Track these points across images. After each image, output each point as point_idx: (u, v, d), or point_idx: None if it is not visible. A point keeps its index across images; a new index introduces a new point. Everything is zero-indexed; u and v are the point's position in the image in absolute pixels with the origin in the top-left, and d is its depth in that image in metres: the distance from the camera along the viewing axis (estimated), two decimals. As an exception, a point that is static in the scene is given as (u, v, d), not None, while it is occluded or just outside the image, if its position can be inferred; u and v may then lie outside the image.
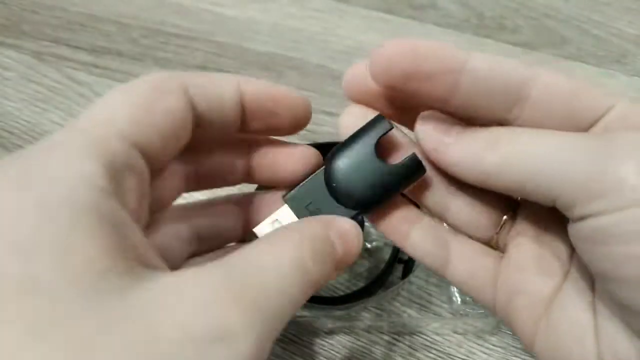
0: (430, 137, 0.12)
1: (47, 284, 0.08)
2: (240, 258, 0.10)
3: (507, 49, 0.29)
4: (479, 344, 0.20)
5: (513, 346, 0.20)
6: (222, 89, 0.12)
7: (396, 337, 0.20)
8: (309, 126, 0.30)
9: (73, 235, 0.08)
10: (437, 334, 0.20)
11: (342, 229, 0.12)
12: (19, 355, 0.07)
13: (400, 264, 0.21)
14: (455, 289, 0.21)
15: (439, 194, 0.14)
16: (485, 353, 0.20)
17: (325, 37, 0.30)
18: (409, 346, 0.20)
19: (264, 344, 0.09)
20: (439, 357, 0.20)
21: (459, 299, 0.21)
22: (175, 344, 0.08)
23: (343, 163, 0.13)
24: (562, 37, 0.30)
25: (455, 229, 0.14)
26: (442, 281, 0.21)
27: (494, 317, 0.20)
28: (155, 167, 0.11)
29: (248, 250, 0.10)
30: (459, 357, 0.20)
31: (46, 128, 0.27)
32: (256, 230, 0.13)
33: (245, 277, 0.09)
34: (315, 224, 0.11)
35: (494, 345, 0.20)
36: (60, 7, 0.32)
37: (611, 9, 0.31)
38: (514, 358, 0.20)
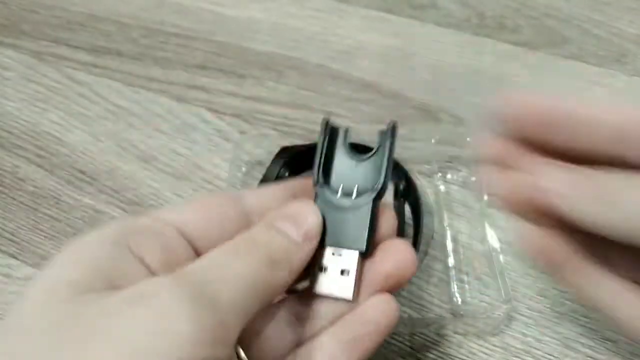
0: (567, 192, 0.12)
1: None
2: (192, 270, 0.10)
3: (507, 49, 0.29)
4: (479, 345, 0.20)
5: (513, 347, 0.20)
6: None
7: (396, 337, 0.20)
8: (308, 126, 0.30)
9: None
10: (438, 334, 0.20)
11: (291, 212, 0.12)
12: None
13: None
14: (455, 288, 0.21)
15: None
16: (485, 354, 0.20)
17: (325, 36, 0.30)
18: (409, 346, 0.20)
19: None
20: (440, 357, 0.20)
21: (459, 299, 0.21)
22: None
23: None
24: (562, 36, 0.30)
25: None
26: (442, 281, 0.21)
27: (495, 318, 0.20)
28: None
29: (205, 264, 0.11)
30: (459, 358, 0.20)
31: (46, 128, 0.27)
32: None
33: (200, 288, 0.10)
34: (261, 230, 0.12)
35: (494, 345, 0.20)
36: (60, 7, 0.32)
37: (612, 9, 0.31)
38: (514, 358, 0.20)
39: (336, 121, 0.14)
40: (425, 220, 0.22)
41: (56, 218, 0.24)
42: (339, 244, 0.12)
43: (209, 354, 0.09)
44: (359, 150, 0.14)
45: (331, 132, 0.14)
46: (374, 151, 0.14)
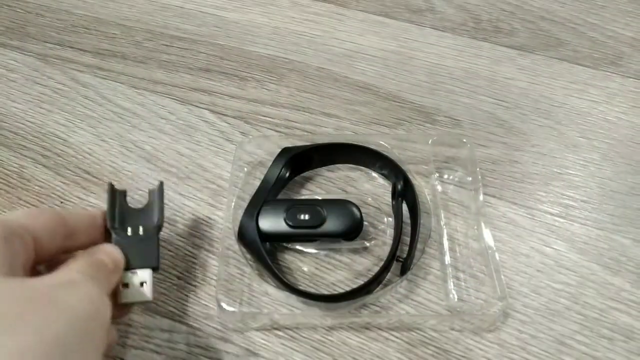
0: None
1: None
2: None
3: (503, 52, 0.30)
4: (475, 341, 0.20)
5: (509, 343, 0.20)
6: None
7: (394, 333, 0.21)
8: (308, 127, 0.30)
9: None
10: (435, 331, 0.21)
11: (107, 250, 0.18)
12: None
13: (398, 262, 0.21)
14: (452, 286, 0.21)
15: None
16: (482, 350, 0.20)
17: (325, 40, 0.30)
18: (407, 342, 0.20)
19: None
20: (437, 353, 0.20)
21: (455, 297, 0.21)
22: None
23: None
24: (558, 39, 0.30)
25: None
26: (439, 278, 0.22)
27: (491, 315, 0.20)
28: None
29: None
30: (456, 354, 0.20)
31: (51, 129, 0.28)
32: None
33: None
34: (90, 253, 0.18)
35: (490, 342, 0.20)
36: (65, 10, 0.33)
37: (607, 12, 0.31)
38: (510, 355, 0.20)
39: (117, 185, 0.20)
40: (423, 219, 0.22)
41: (61, 217, 0.24)
42: (134, 266, 0.19)
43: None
44: None
45: (116, 193, 0.20)
46: (147, 203, 0.20)
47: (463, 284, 0.21)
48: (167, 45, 0.31)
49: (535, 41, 0.30)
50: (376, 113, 0.27)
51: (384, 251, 0.22)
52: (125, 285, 0.18)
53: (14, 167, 0.26)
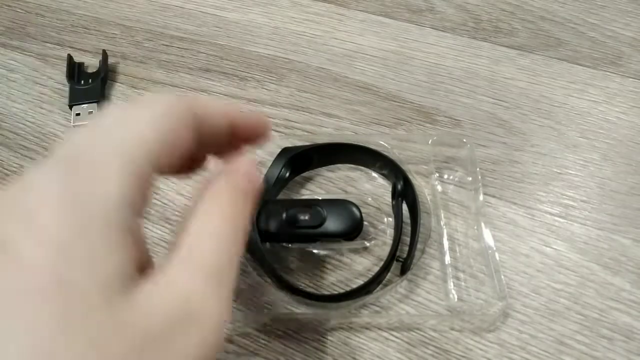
0: None
1: (80, 288, 0.10)
2: (190, 249, 0.12)
3: (503, 52, 0.30)
4: (475, 341, 0.20)
5: (509, 343, 0.20)
6: (216, 116, 0.14)
7: (394, 333, 0.21)
8: (308, 127, 0.30)
9: (104, 248, 0.10)
10: (435, 331, 0.21)
11: (243, 169, 0.14)
12: (53, 349, 0.09)
13: (398, 262, 0.21)
14: (452, 286, 0.21)
15: None
16: (481, 349, 0.20)
17: (325, 40, 0.30)
18: (407, 342, 0.20)
19: (227, 301, 0.11)
20: (437, 353, 0.20)
21: (455, 297, 0.21)
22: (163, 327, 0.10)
23: None
24: (558, 39, 0.30)
25: None
26: (439, 278, 0.22)
27: (491, 315, 0.20)
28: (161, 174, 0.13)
29: (192, 240, 0.12)
30: (456, 354, 0.20)
31: (51, 129, 0.28)
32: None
33: (201, 261, 0.11)
34: (226, 182, 0.13)
35: (490, 342, 0.20)
36: (65, 10, 0.33)
37: (607, 12, 0.31)
38: (510, 354, 0.20)
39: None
40: (423, 219, 0.22)
41: (61, 217, 0.24)
42: None
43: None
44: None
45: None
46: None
47: (463, 284, 0.22)
48: (167, 45, 0.31)
49: (535, 41, 0.30)
50: (376, 113, 0.27)
51: (384, 251, 0.22)
52: None
53: (14, 167, 0.26)
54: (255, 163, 0.14)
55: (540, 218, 0.23)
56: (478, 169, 0.24)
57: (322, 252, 0.22)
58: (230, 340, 0.20)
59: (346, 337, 0.20)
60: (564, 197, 0.24)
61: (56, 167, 0.11)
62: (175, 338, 0.10)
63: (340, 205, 0.22)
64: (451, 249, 0.22)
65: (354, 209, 0.21)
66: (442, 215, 0.23)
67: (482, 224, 0.23)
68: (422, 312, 0.21)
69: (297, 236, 0.21)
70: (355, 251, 0.22)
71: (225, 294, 0.11)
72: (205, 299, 0.11)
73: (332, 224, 0.21)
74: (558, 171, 0.25)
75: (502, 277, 0.21)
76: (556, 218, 0.23)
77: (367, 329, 0.21)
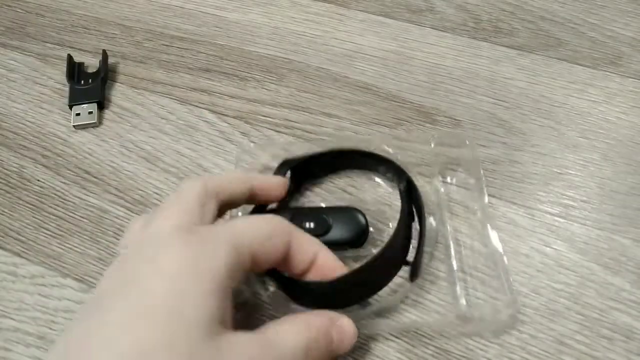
0: None
1: (188, 318, 0.13)
2: (272, 333, 0.15)
3: (503, 52, 0.30)
4: (475, 341, 0.20)
5: (509, 343, 0.20)
6: (237, 190, 0.19)
7: (393, 332, 0.21)
8: (308, 127, 0.30)
9: (211, 295, 0.14)
10: (435, 331, 0.20)
11: (341, 327, 0.17)
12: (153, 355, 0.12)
13: (406, 265, 0.21)
14: (461, 291, 0.21)
15: None
16: (481, 350, 0.20)
17: (325, 40, 0.30)
18: (407, 343, 0.20)
19: None
20: (437, 353, 0.20)
21: (464, 302, 0.21)
22: None
23: None
24: (558, 39, 0.30)
25: None
26: (447, 281, 0.22)
27: (501, 321, 0.20)
28: None
29: (277, 328, 0.16)
30: (456, 354, 0.20)
31: (51, 129, 0.28)
32: None
33: (274, 349, 0.15)
34: (322, 318, 0.17)
35: (490, 342, 0.20)
36: (65, 10, 0.33)
37: (607, 12, 0.31)
38: (510, 354, 0.20)
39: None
40: (429, 222, 0.22)
41: (62, 217, 0.24)
42: None
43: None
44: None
45: None
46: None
47: (471, 289, 0.21)
48: (167, 45, 0.31)
49: (535, 41, 0.30)
50: (376, 113, 0.27)
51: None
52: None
53: (14, 167, 0.26)
54: None
55: (540, 218, 0.23)
56: (482, 171, 0.24)
57: None
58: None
59: (346, 337, 0.20)
60: (564, 197, 0.24)
61: (181, 240, 0.15)
62: None
63: (345, 212, 0.21)
64: (457, 252, 0.22)
65: (360, 216, 0.21)
66: (447, 217, 0.23)
67: (489, 226, 0.22)
68: (432, 317, 0.21)
69: None
70: (361, 259, 0.22)
71: None
72: None
73: (338, 231, 0.21)
74: (558, 171, 0.25)
75: (511, 279, 0.21)
76: (556, 218, 0.23)
77: (373, 336, 0.20)
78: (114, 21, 0.32)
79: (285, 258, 0.17)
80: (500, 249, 0.22)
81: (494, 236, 0.22)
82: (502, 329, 0.20)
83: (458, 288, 0.21)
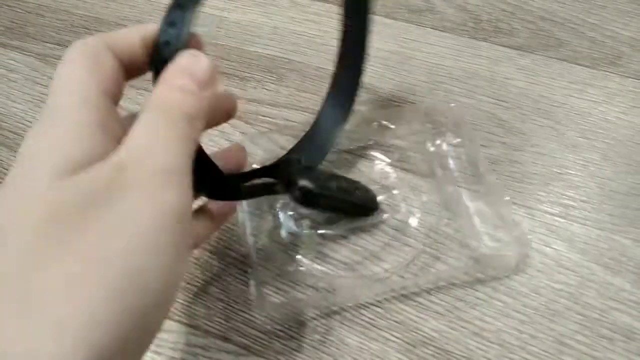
0: None
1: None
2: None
3: (503, 52, 0.30)
4: (476, 341, 0.20)
5: (509, 343, 0.20)
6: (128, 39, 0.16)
7: (394, 333, 0.21)
8: (309, 127, 0.30)
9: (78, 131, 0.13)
10: (435, 331, 0.21)
11: (183, 65, 0.14)
12: None
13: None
14: (478, 225, 0.22)
15: None
16: (482, 350, 0.20)
17: (325, 40, 0.30)
18: (407, 342, 0.20)
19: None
20: (437, 353, 0.20)
21: (479, 244, 0.21)
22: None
23: None
24: (557, 39, 0.30)
25: None
26: (453, 234, 0.22)
27: (511, 257, 0.21)
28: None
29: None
30: (456, 354, 0.20)
31: (51, 129, 0.28)
32: None
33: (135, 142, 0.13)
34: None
35: (490, 342, 0.20)
36: (65, 10, 0.33)
37: (606, 12, 0.31)
38: (510, 355, 0.20)
39: None
40: (428, 185, 0.22)
41: (61, 217, 0.24)
42: None
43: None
44: None
45: None
46: None
47: (483, 236, 0.22)
48: (167, 45, 0.31)
49: (535, 41, 0.30)
50: (375, 113, 0.27)
51: (398, 222, 0.23)
52: None
53: (14, 167, 0.26)
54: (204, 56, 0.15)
55: (540, 218, 0.23)
56: (469, 128, 0.24)
57: (341, 235, 0.22)
58: (230, 340, 0.20)
59: (345, 337, 0.20)
60: (564, 197, 0.24)
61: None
62: (110, 201, 0.12)
63: (354, 182, 0.22)
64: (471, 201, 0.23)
65: (366, 186, 0.22)
66: (441, 173, 0.23)
67: (492, 178, 0.23)
68: (447, 265, 0.21)
69: (337, 200, 0.21)
70: (374, 227, 0.23)
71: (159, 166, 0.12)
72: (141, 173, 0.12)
73: (360, 196, 0.22)
74: (558, 171, 0.25)
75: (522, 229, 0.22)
76: (556, 218, 0.23)
77: (367, 329, 0.20)
78: (114, 21, 0.32)
79: None
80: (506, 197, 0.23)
81: (499, 187, 0.23)
82: (513, 268, 0.21)
83: (469, 236, 0.22)
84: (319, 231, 0.22)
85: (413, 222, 0.23)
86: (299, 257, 0.22)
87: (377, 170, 0.24)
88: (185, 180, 0.13)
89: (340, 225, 0.22)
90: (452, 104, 0.26)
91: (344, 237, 0.22)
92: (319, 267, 0.21)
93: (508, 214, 0.22)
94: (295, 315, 0.20)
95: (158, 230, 0.12)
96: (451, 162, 0.24)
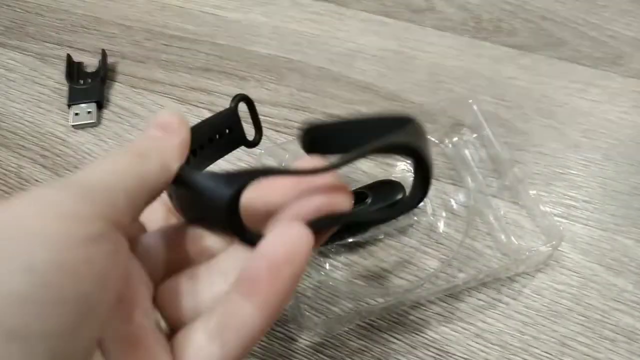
0: None
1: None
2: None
3: (504, 51, 0.29)
4: (477, 343, 0.20)
5: (511, 345, 0.20)
6: None
7: (395, 335, 0.20)
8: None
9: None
10: (436, 333, 0.20)
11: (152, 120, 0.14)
12: None
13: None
14: (498, 225, 0.22)
15: None
16: (483, 352, 0.20)
17: (326, 40, 0.30)
18: (408, 344, 0.20)
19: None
20: (438, 355, 0.20)
21: (506, 240, 0.21)
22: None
23: None
24: (558, 39, 0.30)
25: None
26: (489, 227, 0.21)
27: (544, 252, 0.21)
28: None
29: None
30: (457, 356, 0.20)
31: (50, 129, 0.27)
32: None
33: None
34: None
35: (492, 344, 0.20)
36: (64, 10, 0.33)
37: (608, 11, 0.31)
38: (512, 356, 0.20)
39: None
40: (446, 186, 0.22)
41: (60, 217, 0.24)
42: None
43: (90, 228, 0.11)
44: None
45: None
46: None
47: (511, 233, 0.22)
48: (166, 45, 0.31)
49: (536, 41, 0.30)
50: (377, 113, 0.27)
51: (429, 225, 0.22)
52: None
53: (13, 167, 0.26)
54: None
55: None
56: (488, 128, 0.24)
57: (368, 240, 0.22)
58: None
59: (346, 339, 0.20)
60: (566, 197, 0.24)
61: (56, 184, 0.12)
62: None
63: (381, 185, 0.22)
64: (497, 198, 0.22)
65: (396, 183, 0.22)
66: (463, 170, 0.23)
67: (515, 170, 0.23)
68: (480, 263, 0.21)
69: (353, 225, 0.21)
70: (401, 233, 0.22)
71: None
72: None
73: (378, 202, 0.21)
74: (560, 171, 0.25)
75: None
76: (558, 218, 0.23)
77: (368, 330, 0.20)
78: (114, 21, 0.32)
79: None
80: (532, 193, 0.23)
81: (525, 183, 0.23)
82: (544, 261, 0.21)
83: (499, 233, 0.22)
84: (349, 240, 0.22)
85: (440, 224, 0.22)
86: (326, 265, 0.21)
87: (399, 170, 0.24)
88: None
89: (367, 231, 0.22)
90: (470, 100, 0.25)
91: (371, 243, 0.22)
92: (340, 273, 0.21)
93: (536, 205, 0.22)
94: (296, 316, 0.20)
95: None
96: (472, 158, 0.24)
